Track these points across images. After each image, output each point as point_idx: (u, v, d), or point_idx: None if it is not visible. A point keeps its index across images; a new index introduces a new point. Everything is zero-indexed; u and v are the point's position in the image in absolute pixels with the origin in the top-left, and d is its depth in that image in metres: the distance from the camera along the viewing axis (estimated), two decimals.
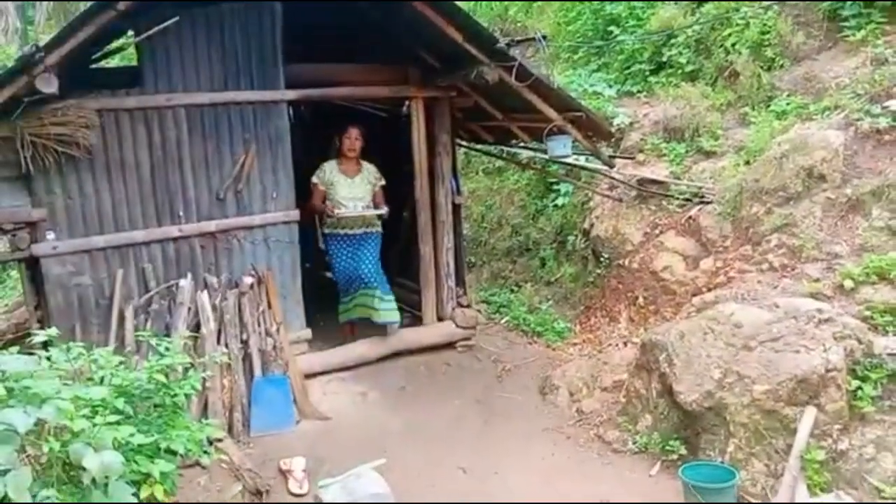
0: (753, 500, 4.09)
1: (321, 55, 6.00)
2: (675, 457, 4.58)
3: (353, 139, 6.06)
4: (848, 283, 4.87)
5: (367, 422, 5.45)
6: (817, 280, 5.01)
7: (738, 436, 4.29)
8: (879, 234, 5.10)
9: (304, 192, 6.22)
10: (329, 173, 6.11)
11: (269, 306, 5.62)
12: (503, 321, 7.45)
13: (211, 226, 5.56)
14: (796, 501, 3.99)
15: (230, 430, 5.20)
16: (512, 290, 8.05)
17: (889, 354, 4.40)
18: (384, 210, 6.13)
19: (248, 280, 5.54)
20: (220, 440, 4.81)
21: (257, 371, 5.40)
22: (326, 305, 7.51)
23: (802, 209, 5.51)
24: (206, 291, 5.41)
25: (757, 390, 4.29)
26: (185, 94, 5.34)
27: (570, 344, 6.66)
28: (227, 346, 5.31)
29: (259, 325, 5.52)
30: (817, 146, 5.65)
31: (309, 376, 5.82)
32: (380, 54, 6.27)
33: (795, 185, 5.60)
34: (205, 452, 3.84)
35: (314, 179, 6.13)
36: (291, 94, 5.67)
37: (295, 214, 5.84)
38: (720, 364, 4.53)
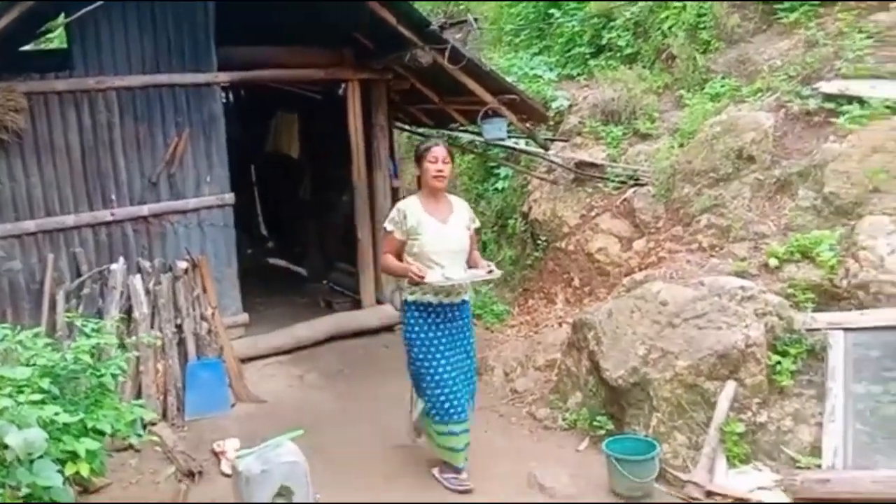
0: (674, 472, 4.36)
1: (256, 37, 6.08)
2: (602, 432, 4.81)
3: (440, 161, 4.17)
4: (773, 262, 5.15)
5: (303, 404, 5.60)
6: (744, 259, 5.30)
7: (662, 410, 4.55)
8: (805, 213, 5.40)
9: (240, 176, 6.25)
10: (412, 217, 4.15)
11: (204, 290, 5.71)
12: None
13: (144, 210, 5.64)
14: (715, 472, 4.27)
15: (164, 413, 5.30)
16: None
17: (808, 330, 4.69)
18: (496, 271, 4.28)
19: (183, 264, 5.63)
20: (153, 424, 4.92)
21: (192, 355, 5.50)
22: (266, 290, 7.64)
23: (732, 190, 5.80)
24: (139, 275, 5.48)
25: (679, 365, 4.55)
26: (115, 76, 5.40)
27: (508, 326, 6.89)
28: (160, 330, 5.40)
29: (193, 309, 5.61)
30: (748, 128, 5.94)
31: (245, 360, 5.94)
32: (315, 36, 6.37)
33: (726, 166, 5.89)
34: (137, 435, 3.94)
35: (388, 226, 4.26)
36: (224, 77, 5.76)
37: (230, 198, 5.93)
38: (645, 341, 4.78)
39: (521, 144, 7.55)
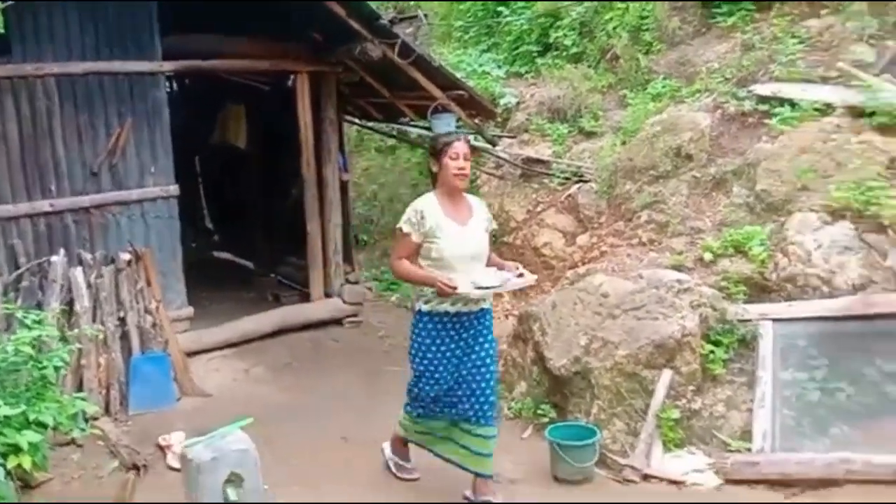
0: (613, 456, 4.53)
1: (203, 27, 6.05)
2: (546, 420, 4.96)
3: (462, 157, 3.76)
4: (707, 256, 5.39)
5: (250, 397, 5.60)
6: (680, 253, 5.52)
7: (602, 398, 4.72)
8: (738, 210, 5.65)
9: (186, 167, 6.16)
10: (430, 218, 3.73)
11: (148, 283, 5.67)
12: (393, 298, 7.73)
13: (85, 201, 5.57)
14: (652, 456, 4.46)
15: (107, 408, 5.25)
16: None
17: (740, 321, 4.93)
18: (528, 275, 3.91)
19: (126, 256, 5.57)
20: (95, 418, 4.88)
21: (135, 349, 5.46)
22: (212, 284, 7.59)
23: (671, 187, 6.02)
24: (80, 268, 5.41)
25: (619, 355, 4.73)
26: (55, 63, 5.31)
27: None
28: (102, 323, 5.34)
29: (137, 302, 5.57)
30: (686, 127, 6.18)
31: (191, 354, 5.92)
32: (264, 27, 6.37)
33: (665, 164, 6.11)
34: (80, 429, 3.92)
35: (404, 227, 3.79)
36: (169, 66, 5.72)
37: (174, 189, 5.89)
38: (587, 331, 4.95)
39: (470, 140, 7.66)
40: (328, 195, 6.55)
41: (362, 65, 6.23)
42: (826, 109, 5.78)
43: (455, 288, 3.58)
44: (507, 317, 6.46)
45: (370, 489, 4.30)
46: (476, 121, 6.45)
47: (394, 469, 4.39)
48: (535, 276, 4.03)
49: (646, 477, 4.37)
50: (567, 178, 6.88)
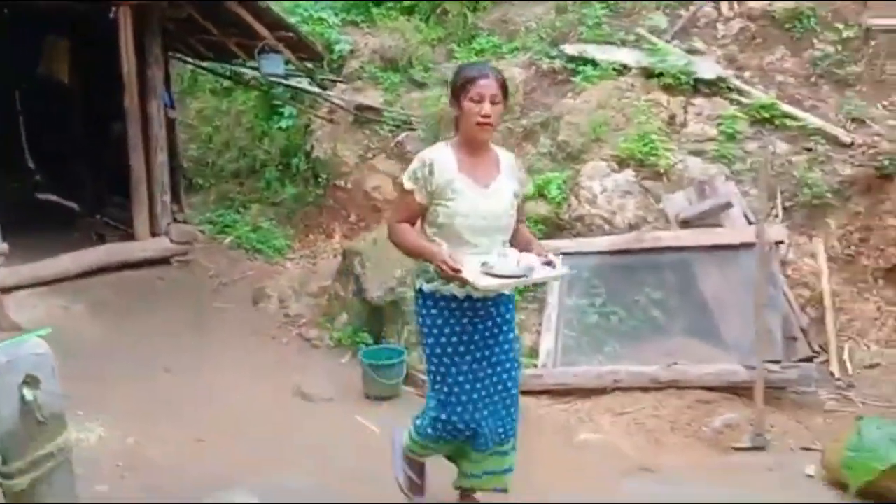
0: (421, 375, 5.06)
1: None
2: (364, 346, 5.44)
3: (488, 100, 2.91)
4: None
5: (66, 333, 5.57)
6: None
7: (412, 323, 5.24)
8: (543, 158, 6.31)
9: (4, 104, 5.85)
10: (442, 174, 2.96)
11: None
12: (227, 241, 7.90)
13: None
14: None
15: None
16: (238, 211, 8.46)
17: None
18: (558, 264, 2.98)
19: None
20: None
21: None
22: (34, 225, 7.43)
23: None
24: None
25: None
26: None
27: (288, 259, 7.33)
28: None
29: None
30: None
31: (6, 290, 5.87)
32: None
33: None
34: None
35: (406, 182, 3.03)
36: None
37: None
38: (403, 265, 5.44)
39: (304, 84, 7.90)
40: (153, 131, 6.58)
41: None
42: (623, 70, 6.53)
43: (459, 271, 2.77)
44: (335, 256, 6.81)
45: (193, 422, 4.40)
46: (306, 64, 6.69)
47: (402, 485, 3.45)
48: (567, 269, 3.06)
49: None
50: (397, 126, 7.31)
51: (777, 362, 4.83)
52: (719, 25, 7.31)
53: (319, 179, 7.64)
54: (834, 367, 5.22)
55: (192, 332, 5.91)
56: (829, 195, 5.95)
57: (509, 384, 3.14)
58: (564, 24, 7.04)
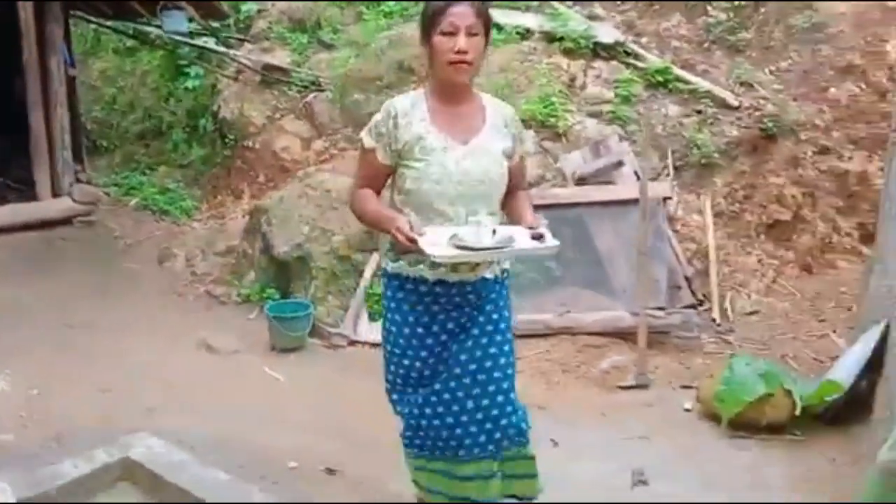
0: (326, 328, 5.27)
1: None
2: (272, 302, 5.60)
3: (463, 32, 2.42)
4: None
5: None
6: None
7: (319, 278, 5.44)
8: None
9: None
10: (409, 128, 2.50)
11: None
12: (132, 203, 7.85)
13: None
14: (359, 326, 5.26)
15: None
16: (144, 173, 8.39)
17: None
18: (550, 241, 2.45)
19: None
20: None
21: None
22: None
23: (393, 96, 6.76)
24: None
25: (335, 240, 5.46)
26: None
27: (196, 220, 7.36)
28: None
29: None
30: (410, 43, 6.90)
31: None
32: None
33: (390, 75, 6.84)
34: None
35: (365, 139, 2.60)
36: None
37: None
38: (309, 222, 5.61)
39: (211, 44, 7.88)
40: (53, 88, 6.51)
41: None
42: (526, 34, 6.79)
43: (414, 242, 2.30)
44: (244, 216, 6.89)
45: (97, 374, 4.45)
46: (211, 23, 6.70)
47: None
48: (558, 242, 2.42)
49: (352, 342, 5.17)
50: (305, 87, 7.38)
51: (661, 309, 5.25)
52: None
53: (227, 140, 7.66)
54: (716, 314, 5.66)
55: (97, 291, 5.93)
56: (716, 155, 6.37)
57: (498, 378, 2.57)
58: None
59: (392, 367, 2.65)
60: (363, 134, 2.61)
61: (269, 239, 5.72)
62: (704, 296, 5.87)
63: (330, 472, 3.50)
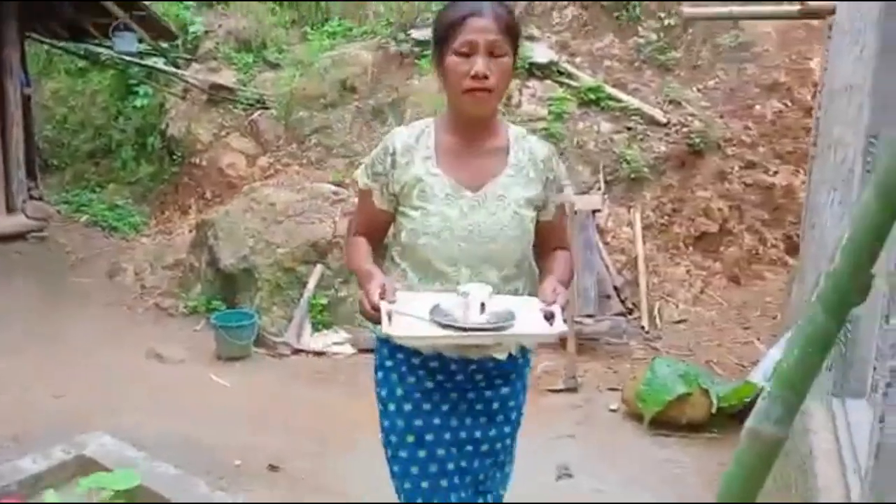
0: (271, 337, 5.55)
1: None
2: (217, 312, 5.86)
3: (482, 52, 1.91)
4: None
5: None
6: (340, 172, 6.64)
7: (264, 289, 5.72)
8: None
9: None
10: (409, 168, 2.03)
11: None
12: (83, 219, 8.05)
13: None
14: (302, 335, 5.55)
15: None
16: (94, 191, 8.61)
17: None
18: (558, 325, 1.85)
19: None
20: None
21: None
22: None
23: (336, 115, 7.11)
24: None
25: (280, 253, 5.75)
26: None
27: (144, 235, 7.60)
28: None
29: None
30: (352, 63, 7.28)
31: None
32: None
33: (333, 94, 7.18)
34: None
35: (360, 178, 2.13)
36: None
37: None
38: (255, 235, 5.90)
39: (160, 64, 8.15)
40: (9, 109, 6.73)
41: None
42: None
43: (377, 309, 1.83)
44: (191, 231, 7.15)
45: (50, 381, 4.72)
46: (160, 43, 6.98)
47: None
48: (565, 328, 1.91)
49: (296, 351, 5.46)
50: (251, 105, 7.69)
51: (591, 317, 5.62)
52: (554, 13, 8.12)
53: (175, 157, 7.92)
54: (644, 322, 6.04)
55: (48, 303, 6.14)
56: (645, 170, 6.80)
57: (489, 485, 2.21)
58: (412, 10, 7.63)
59: (386, 428, 2.16)
60: (358, 171, 2.15)
61: (215, 252, 5.99)
62: (634, 304, 6.26)
63: (273, 468, 3.78)
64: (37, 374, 4.80)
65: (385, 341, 2.08)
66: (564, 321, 1.87)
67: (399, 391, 2.11)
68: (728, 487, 1.61)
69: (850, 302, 1.35)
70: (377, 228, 2.13)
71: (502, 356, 2.08)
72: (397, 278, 2.00)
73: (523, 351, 2.17)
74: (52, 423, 4.02)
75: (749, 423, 1.69)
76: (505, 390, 2.14)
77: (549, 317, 1.86)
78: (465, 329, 1.82)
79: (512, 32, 1.96)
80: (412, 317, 1.83)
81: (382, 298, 1.83)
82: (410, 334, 1.85)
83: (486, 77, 1.89)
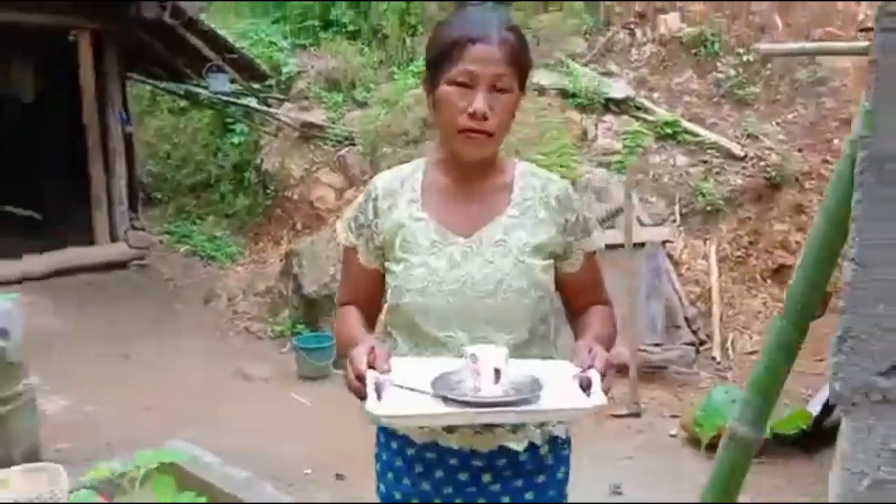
0: None
1: None
2: (300, 335, 6.23)
3: (483, 86, 1.54)
4: None
5: (33, 324, 6.26)
6: None
7: None
8: None
9: None
10: (389, 215, 1.69)
11: None
12: (183, 249, 8.66)
13: None
14: None
15: None
16: (194, 223, 9.25)
17: None
18: (597, 397, 1.38)
19: None
20: None
21: None
22: None
23: (419, 151, 7.44)
24: None
25: None
26: None
27: (239, 264, 8.11)
28: None
29: None
30: None
31: None
32: None
33: (415, 131, 7.54)
34: None
35: (341, 233, 1.77)
36: None
37: None
38: (336, 263, 6.25)
39: (254, 104, 8.74)
40: (111, 144, 7.38)
41: (140, 24, 7.08)
42: (543, 90, 7.43)
43: (361, 379, 1.44)
44: (281, 260, 7.61)
45: (144, 395, 5.15)
46: (252, 84, 7.54)
47: None
48: (604, 401, 1.39)
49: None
50: (339, 142, 8.14)
51: (658, 345, 5.71)
52: (633, 50, 8.30)
53: (269, 191, 8.44)
54: (716, 353, 6.09)
55: (148, 326, 6.66)
56: (721, 203, 6.86)
57: None
58: None
59: None
60: (339, 226, 1.80)
61: (299, 279, 6.38)
62: (708, 336, 6.30)
63: (339, 477, 4.06)
64: (132, 390, 5.23)
65: (385, 433, 1.74)
66: (606, 392, 1.41)
67: (397, 495, 1.72)
68: (710, 487, 1.76)
69: (810, 315, 1.52)
70: (368, 295, 1.74)
71: (519, 446, 1.63)
72: (389, 349, 1.60)
73: (552, 441, 1.68)
74: (141, 432, 4.40)
75: (729, 424, 1.81)
76: (528, 496, 1.66)
77: (586, 385, 1.43)
78: (472, 404, 1.38)
79: (520, 63, 1.60)
80: (407, 389, 1.40)
81: (371, 367, 1.43)
82: (397, 413, 1.42)
83: (485, 118, 1.54)
